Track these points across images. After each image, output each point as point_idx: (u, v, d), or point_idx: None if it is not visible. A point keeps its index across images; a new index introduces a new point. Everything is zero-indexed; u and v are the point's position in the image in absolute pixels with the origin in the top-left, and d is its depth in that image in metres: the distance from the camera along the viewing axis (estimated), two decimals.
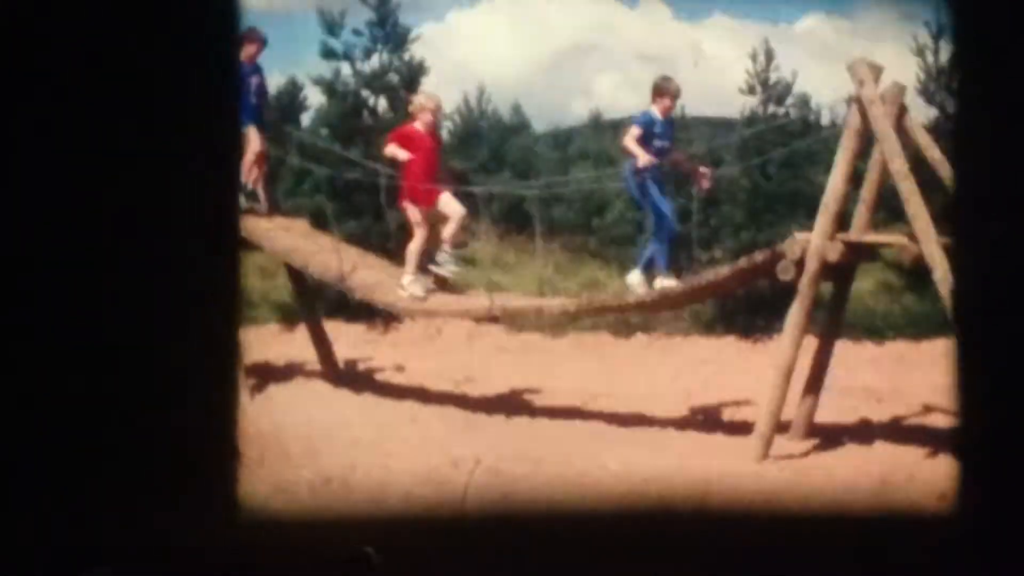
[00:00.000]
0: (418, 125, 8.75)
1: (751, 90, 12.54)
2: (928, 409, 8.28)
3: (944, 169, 7.42)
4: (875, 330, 10.59)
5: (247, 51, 8.92)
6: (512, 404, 9.02)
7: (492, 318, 9.77)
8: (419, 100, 8.92)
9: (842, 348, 8.43)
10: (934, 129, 9.63)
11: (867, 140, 7.50)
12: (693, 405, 8.94)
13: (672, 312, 10.81)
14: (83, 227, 1.46)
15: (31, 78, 1.37)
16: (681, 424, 8.44)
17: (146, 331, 1.44)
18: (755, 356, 10.32)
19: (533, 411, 8.88)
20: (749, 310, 10.87)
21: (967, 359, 1.92)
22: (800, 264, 7.36)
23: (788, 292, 7.54)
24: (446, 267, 8.78)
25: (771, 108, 12.04)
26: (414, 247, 8.71)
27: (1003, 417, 1.74)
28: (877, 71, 7.39)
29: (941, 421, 7.91)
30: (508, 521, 6.00)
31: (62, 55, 1.37)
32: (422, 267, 8.77)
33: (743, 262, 7.87)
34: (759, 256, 7.69)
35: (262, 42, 9.08)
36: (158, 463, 1.55)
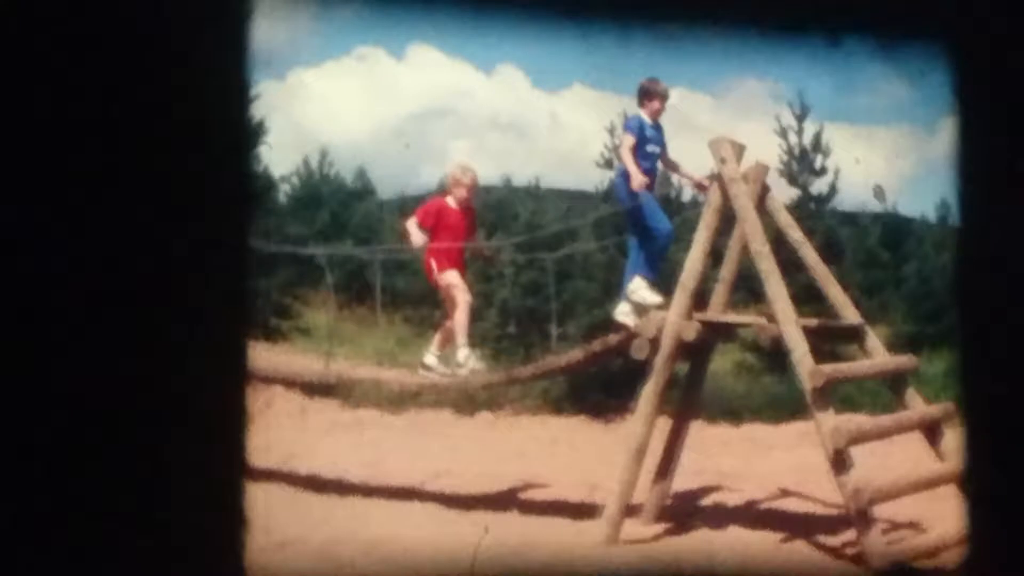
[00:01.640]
0: (450, 200, 8.37)
1: (608, 164, 12.84)
2: (784, 493, 8.50)
3: (805, 250, 7.72)
4: (732, 411, 10.84)
5: None
6: (345, 483, 8.85)
7: (327, 389, 9.62)
8: (453, 173, 8.51)
9: (697, 429, 8.59)
10: (795, 209, 10.06)
11: (728, 218, 7.69)
12: (539, 486, 8.93)
13: (519, 390, 10.86)
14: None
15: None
16: (525, 506, 8.41)
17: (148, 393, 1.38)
18: (606, 436, 10.39)
19: (368, 491, 8.71)
20: (601, 388, 11.00)
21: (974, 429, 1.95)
22: (655, 343, 7.42)
23: (642, 371, 7.59)
24: (467, 364, 8.32)
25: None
26: (462, 317, 8.24)
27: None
28: (739, 149, 7.60)
29: (796, 505, 8.12)
30: None
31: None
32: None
33: (596, 344, 7.94)
34: (613, 339, 7.77)
35: None
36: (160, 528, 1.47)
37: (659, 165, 8.26)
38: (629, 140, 7.96)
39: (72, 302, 1.46)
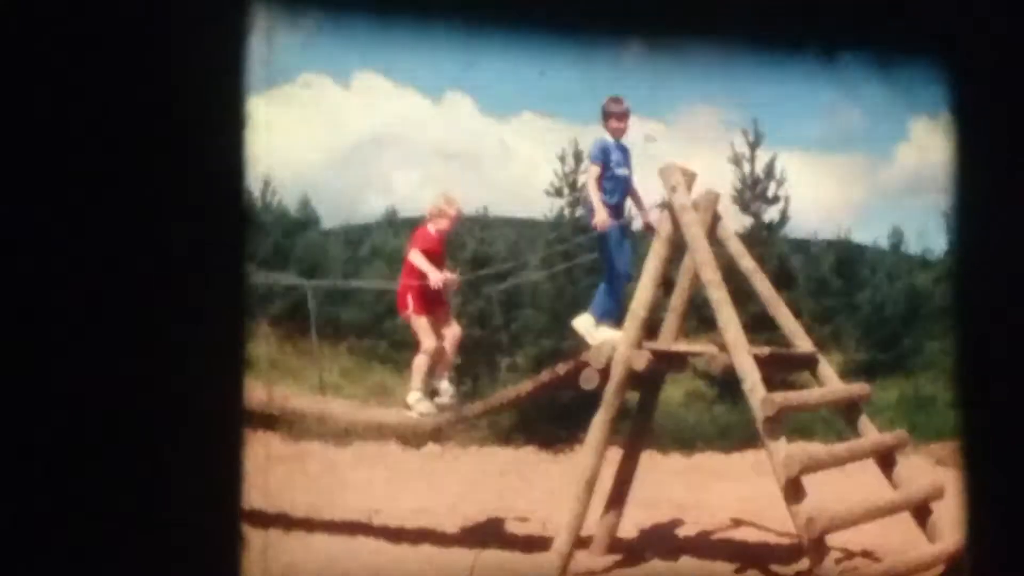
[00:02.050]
0: (431, 228, 8.19)
1: (558, 192, 12.85)
2: (737, 523, 8.50)
3: (756, 278, 7.75)
4: (684, 441, 10.84)
5: None
6: (287, 518, 8.72)
7: (268, 422, 9.50)
8: (437, 203, 8.23)
9: (648, 459, 8.57)
10: (747, 237, 10.11)
11: (679, 247, 7.67)
12: (487, 519, 8.87)
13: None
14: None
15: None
16: (475, 539, 8.34)
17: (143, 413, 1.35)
18: (556, 467, 10.36)
19: (311, 526, 8.61)
20: (551, 419, 10.97)
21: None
22: (605, 373, 7.36)
23: (593, 401, 7.55)
24: (445, 396, 8.22)
25: (579, 211, 12.27)
26: (421, 361, 8.07)
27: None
28: (691, 177, 7.61)
29: (749, 535, 8.12)
30: None
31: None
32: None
33: (545, 375, 7.87)
34: (562, 368, 7.68)
35: None
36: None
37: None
38: (595, 170, 7.83)
39: (71, 302, 1.45)
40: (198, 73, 1.49)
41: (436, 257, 8.14)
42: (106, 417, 1.43)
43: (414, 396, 8.09)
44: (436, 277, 7.92)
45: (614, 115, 7.91)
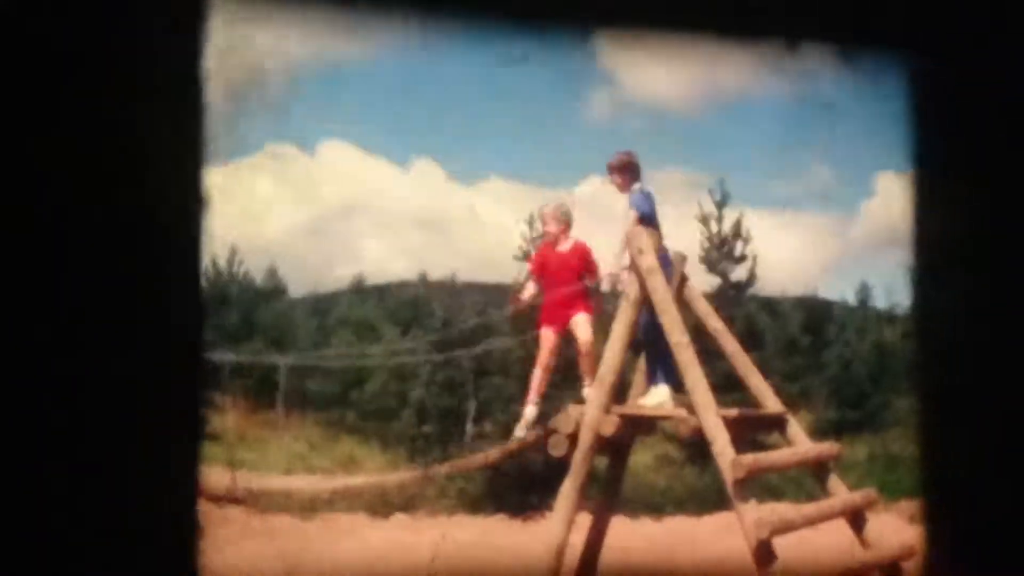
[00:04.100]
0: (550, 243, 8.09)
1: (527, 256, 12.87)
2: None
3: (724, 339, 7.73)
4: (654, 505, 10.77)
5: None
6: None
7: (234, 499, 9.38)
8: (543, 212, 8.15)
9: (618, 524, 8.50)
10: (715, 296, 10.13)
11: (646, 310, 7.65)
12: None
13: (436, 490, 10.74)
14: None
15: None
16: None
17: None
18: (525, 535, 10.25)
19: None
20: (520, 487, 10.91)
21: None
22: (573, 438, 7.25)
23: (563, 467, 7.50)
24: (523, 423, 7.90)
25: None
26: (539, 373, 7.88)
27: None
28: (657, 239, 7.60)
29: None
30: None
31: None
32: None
33: (513, 443, 7.83)
34: (530, 436, 7.65)
35: None
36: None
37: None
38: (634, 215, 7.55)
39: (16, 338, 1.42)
40: (156, 139, 1.48)
41: (549, 270, 7.95)
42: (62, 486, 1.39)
43: (529, 408, 7.93)
44: (528, 291, 8.05)
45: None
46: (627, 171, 7.71)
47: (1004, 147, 1.77)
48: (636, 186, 7.66)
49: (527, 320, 11.35)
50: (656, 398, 7.66)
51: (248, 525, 10.95)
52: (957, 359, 1.82)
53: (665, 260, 7.61)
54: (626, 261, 7.59)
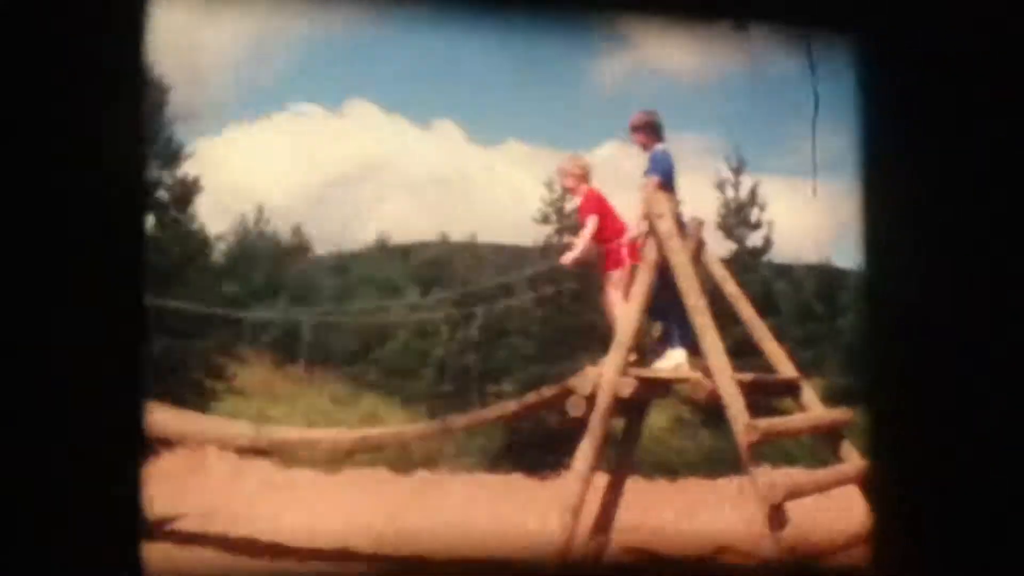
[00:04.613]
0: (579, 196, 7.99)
1: (545, 219, 12.91)
2: (721, 549, 8.54)
3: (740, 303, 7.81)
4: (669, 467, 10.84)
5: None
6: (279, 546, 8.78)
7: (260, 451, 9.56)
8: (560, 167, 8.07)
9: (634, 485, 8.61)
10: (731, 262, 10.18)
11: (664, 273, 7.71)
12: (475, 544, 8.90)
13: (456, 447, 10.89)
14: None
15: None
16: (464, 565, 8.36)
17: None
18: (542, 493, 10.37)
19: (300, 554, 8.64)
20: (538, 446, 11.00)
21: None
22: (591, 400, 7.29)
23: (579, 428, 7.56)
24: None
25: (566, 238, 12.26)
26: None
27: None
28: (675, 204, 7.65)
29: (733, 558, 8.15)
30: None
31: None
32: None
33: (531, 397, 7.90)
34: (548, 391, 7.70)
35: None
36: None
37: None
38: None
39: None
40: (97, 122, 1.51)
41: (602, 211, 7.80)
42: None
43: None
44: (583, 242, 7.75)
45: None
46: (649, 130, 7.69)
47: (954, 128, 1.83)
48: (659, 146, 7.66)
49: (544, 280, 11.43)
50: (672, 361, 7.66)
51: (273, 475, 11.14)
52: (906, 335, 1.90)
53: (680, 223, 7.65)
54: (644, 225, 7.63)
